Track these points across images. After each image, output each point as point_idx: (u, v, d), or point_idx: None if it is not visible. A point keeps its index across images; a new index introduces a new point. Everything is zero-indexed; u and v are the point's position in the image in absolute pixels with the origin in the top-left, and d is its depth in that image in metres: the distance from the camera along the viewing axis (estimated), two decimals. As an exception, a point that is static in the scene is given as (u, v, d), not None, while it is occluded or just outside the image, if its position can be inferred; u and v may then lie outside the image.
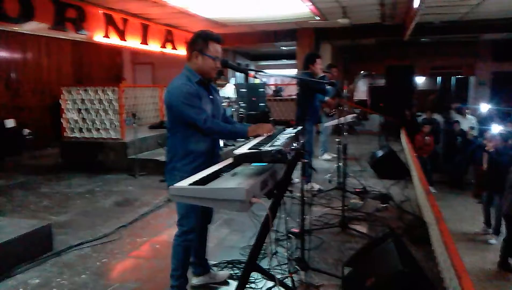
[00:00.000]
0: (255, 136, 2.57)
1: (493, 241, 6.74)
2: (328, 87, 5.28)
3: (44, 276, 3.32)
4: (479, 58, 14.86)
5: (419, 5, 7.55)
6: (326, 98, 6.31)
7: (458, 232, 6.96)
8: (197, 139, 2.59)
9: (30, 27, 6.97)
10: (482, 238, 6.92)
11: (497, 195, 6.68)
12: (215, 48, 2.61)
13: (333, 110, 6.59)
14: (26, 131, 9.25)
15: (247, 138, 2.64)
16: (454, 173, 9.97)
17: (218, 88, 8.16)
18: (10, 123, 9.11)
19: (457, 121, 10.43)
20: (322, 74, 5.49)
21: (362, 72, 5.60)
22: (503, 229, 6.60)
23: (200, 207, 2.67)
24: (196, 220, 2.71)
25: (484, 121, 10.67)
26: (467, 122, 10.60)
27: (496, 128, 8.71)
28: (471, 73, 15.22)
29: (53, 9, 7.25)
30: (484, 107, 12.03)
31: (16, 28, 6.82)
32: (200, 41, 2.60)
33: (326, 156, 7.81)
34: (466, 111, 11.16)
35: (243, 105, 9.65)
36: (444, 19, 10.38)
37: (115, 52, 12.64)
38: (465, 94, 15.09)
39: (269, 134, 2.56)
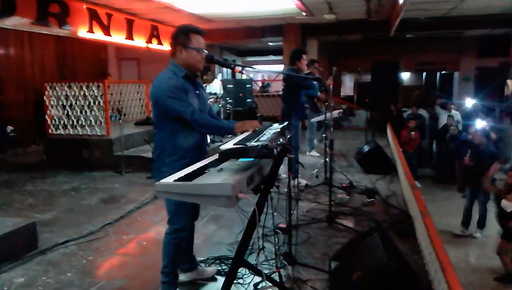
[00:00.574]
0: (242, 132, 2.56)
1: (477, 235, 6.77)
2: (314, 82, 5.31)
3: (29, 274, 3.27)
4: (463, 54, 15.05)
5: (404, 1, 7.60)
6: (319, 94, 6.35)
7: (443, 226, 7.04)
8: (185, 134, 2.56)
9: (12, 22, 6.82)
10: (467, 233, 6.96)
11: (481, 191, 6.67)
12: (198, 40, 2.60)
13: (322, 105, 6.63)
14: (10, 128, 9.09)
15: (234, 134, 2.63)
16: (440, 168, 10.07)
17: (205, 84, 8.17)
18: (-8, 120, 8.95)
19: (451, 116, 10.50)
20: (308, 71, 5.52)
21: (334, 68, 5.66)
22: (488, 223, 6.70)
23: (190, 204, 2.67)
24: (187, 218, 2.70)
25: (468, 116, 10.80)
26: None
27: (480, 123, 8.82)
28: (456, 69, 15.39)
29: (36, 4, 7.12)
30: (470, 102, 12.16)
31: (-2, 23, 6.69)
32: (182, 35, 2.58)
33: (314, 152, 7.84)
34: (451, 106, 11.28)
35: (230, 101, 9.63)
36: (428, 15, 10.48)
37: (100, 47, 12.48)
38: (449, 90, 15.25)
39: (255, 129, 2.56)
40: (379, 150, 6.80)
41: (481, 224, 6.82)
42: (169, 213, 2.68)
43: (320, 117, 6.50)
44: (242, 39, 13.24)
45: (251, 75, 2.85)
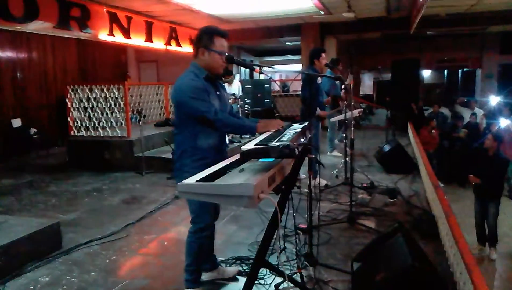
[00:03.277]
0: (265, 132, 2.56)
1: (494, 256, 6.11)
2: (337, 82, 5.25)
3: (53, 274, 3.33)
4: (486, 51, 14.72)
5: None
6: (342, 93, 6.28)
7: (467, 227, 6.86)
8: (205, 135, 2.58)
9: (35, 27, 6.97)
10: (483, 253, 6.27)
11: (492, 203, 6.04)
12: (221, 43, 2.59)
13: (344, 105, 6.56)
14: (33, 130, 9.31)
15: (256, 133, 2.63)
16: (455, 170, 9.79)
17: (226, 84, 8.20)
18: (17, 122, 9.17)
19: (474, 113, 10.20)
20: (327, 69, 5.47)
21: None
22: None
23: (211, 203, 2.68)
24: (210, 217, 2.75)
25: (492, 114, 10.55)
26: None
27: (504, 122, 8.58)
28: (478, 66, 15.08)
29: (58, 8, 7.25)
30: (494, 100, 11.86)
31: (21, 28, 6.82)
32: (206, 37, 2.58)
33: (336, 152, 7.73)
34: (475, 104, 11.04)
35: (248, 101, 9.64)
36: (450, 11, 10.28)
37: (120, 50, 12.66)
38: (472, 87, 14.96)
39: (277, 129, 2.56)
40: (400, 149, 6.70)
41: (493, 241, 6.18)
42: (192, 213, 2.71)
43: (340, 117, 6.44)
44: (260, 39, 13.22)
45: (269, 75, 2.84)
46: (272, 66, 3.27)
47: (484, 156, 6.19)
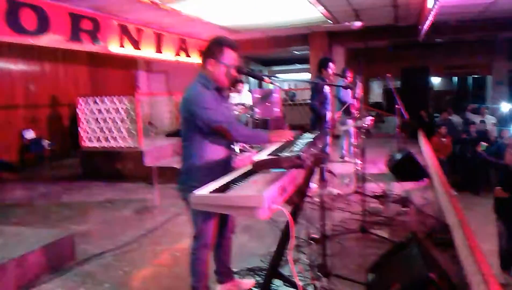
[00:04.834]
0: (276, 142, 2.56)
1: None
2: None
3: (67, 286, 3.35)
4: (496, 57, 14.61)
5: (433, 5, 7.47)
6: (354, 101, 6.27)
7: (481, 235, 6.74)
8: (214, 148, 2.56)
9: (47, 40, 7.07)
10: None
11: None
12: (231, 55, 2.56)
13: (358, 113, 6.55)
14: (46, 142, 9.41)
15: (269, 143, 2.62)
16: (467, 177, 9.65)
17: (235, 93, 8.24)
18: (30, 134, 9.29)
19: (473, 123, 10.08)
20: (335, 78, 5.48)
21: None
22: None
23: (217, 220, 2.66)
24: (213, 234, 2.68)
25: (504, 121, 10.43)
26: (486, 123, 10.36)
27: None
28: (488, 73, 14.97)
29: (70, 21, 7.36)
30: (505, 107, 11.73)
31: (33, 41, 6.91)
32: (216, 48, 2.56)
33: (347, 158, 7.64)
34: (485, 111, 10.93)
35: (258, 111, 9.65)
36: (459, 18, 10.25)
37: (130, 61, 12.79)
38: (482, 94, 14.86)
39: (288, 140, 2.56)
40: (412, 157, 6.64)
41: None
42: (196, 229, 2.65)
43: (350, 125, 6.42)
44: (268, 49, 13.27)
45: (277, 84, 2.85)
46: (279, 75, 3.29)
47: (505, 171, 5.77)
